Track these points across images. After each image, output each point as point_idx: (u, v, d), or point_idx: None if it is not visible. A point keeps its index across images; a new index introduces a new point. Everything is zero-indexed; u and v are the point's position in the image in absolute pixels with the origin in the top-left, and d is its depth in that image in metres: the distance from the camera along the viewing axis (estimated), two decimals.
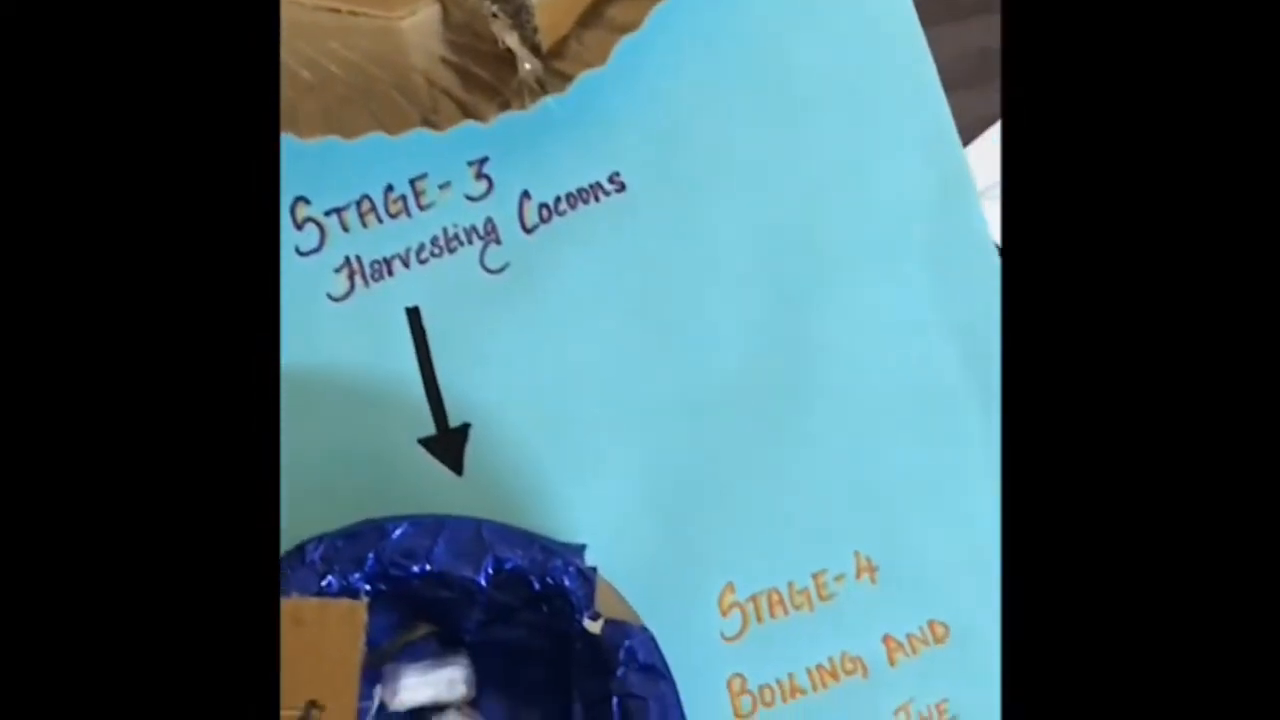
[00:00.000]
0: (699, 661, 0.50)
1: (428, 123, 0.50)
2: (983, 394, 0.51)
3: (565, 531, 0.49)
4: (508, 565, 0.46)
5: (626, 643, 0.46)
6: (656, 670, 0.46)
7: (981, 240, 0.52)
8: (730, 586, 0.51)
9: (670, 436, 0.51)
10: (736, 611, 0.50)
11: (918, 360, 0.51)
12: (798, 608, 0.50)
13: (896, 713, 0.50)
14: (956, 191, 0.52)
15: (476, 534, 0.46)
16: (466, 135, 0.51)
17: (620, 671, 0.46)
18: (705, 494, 0.51)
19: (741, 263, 0.52)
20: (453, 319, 0.52)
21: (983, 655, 0.50)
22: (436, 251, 0.52)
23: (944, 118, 0.53)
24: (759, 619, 0.50)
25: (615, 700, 0.46)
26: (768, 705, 0.50)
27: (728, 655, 0.50)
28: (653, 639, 0.46)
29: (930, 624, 0.50)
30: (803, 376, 0.51)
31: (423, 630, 0.50)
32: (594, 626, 0.46)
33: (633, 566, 0.50)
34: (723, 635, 0.50)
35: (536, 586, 0.46)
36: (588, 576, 0.46)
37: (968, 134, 0.53)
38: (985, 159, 0.53)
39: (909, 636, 0.50)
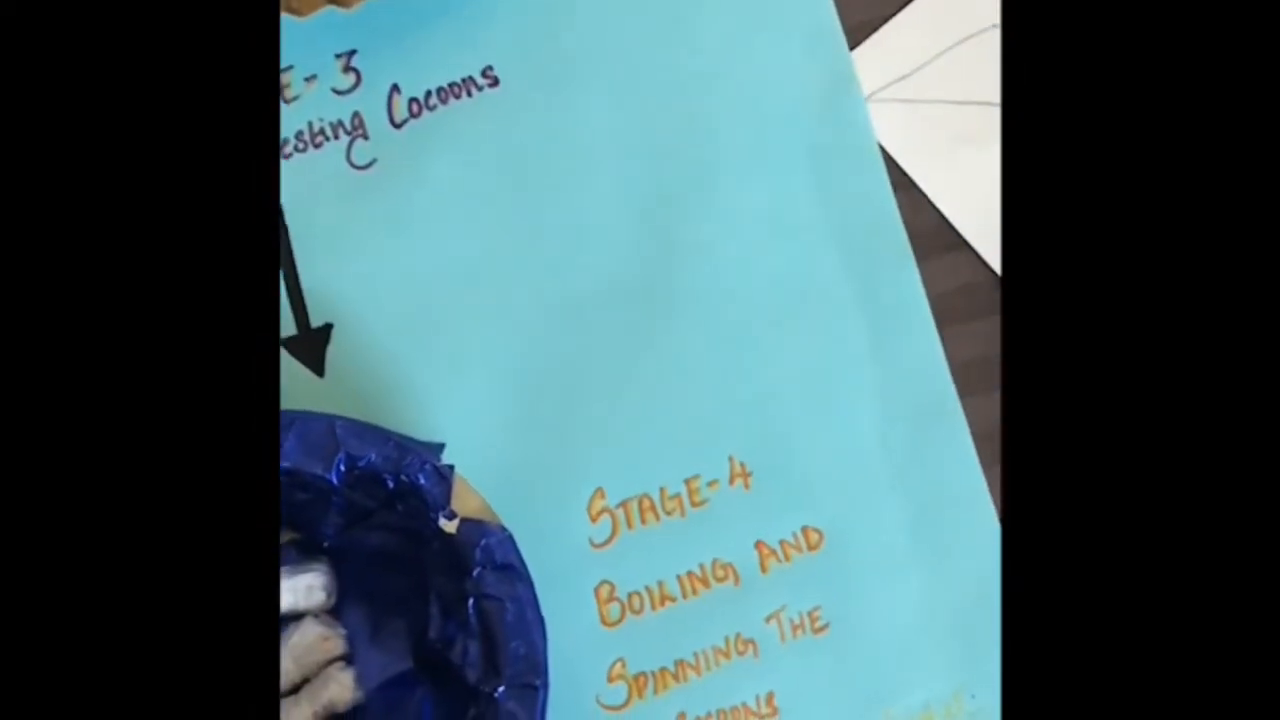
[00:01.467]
0: (567, 568, 0.48)
1: (289, 9, 0.48)
2: (861, 296, 0.50)
3: (429, 434, 0.47)
4: (361, 463, 0.45)
5: (483, 541, 0.44)
6: (514, 570, 0.44)
7: (866, 142, 0.51)
8: (600, 492, 0.49)
9: (539, 339, 0.50)
10: (606, 518, 0.49)
11: (795, 262, 0.50)
12: (669, 514, 0.49)
13: (768, 620, 0.48)
14: (841, 91, 0.51)
15: (329, 430, 0.45)
16: (333, 25, 0.49)
17: (476, 571, 0.44)
18: (575, 398, 0.49)
19: (617, 162, 0.50)
20: (317, 217, 0.50)
21: (856, 562, 0.48)
22: (301, 147, 0.50)
23: (830, 15, 0.51)
24: (629, 525, 0.49)
25: (471, 601, 0.44)
26: (636, 613, 0.48)
27: (596, 562, 0.49)
28: (511, 539, 0.45)
29: (804, 530, 0.49)
30: (677, 279, 0.50)
31: (282, 537, 0.48)
32: (449, 526, 0.44)
33: (499, 471, 0.48)
34: (591, 542, 0.49)
35: (391, 485, 0.45)
36: (444, 474, 0.45)
37: (856, 36, 0.52)
38: (873, 63, 0.51)
39: (782, 543, 0.49)
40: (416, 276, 0.50)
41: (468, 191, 0.50)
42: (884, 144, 0.51)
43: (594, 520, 0.49)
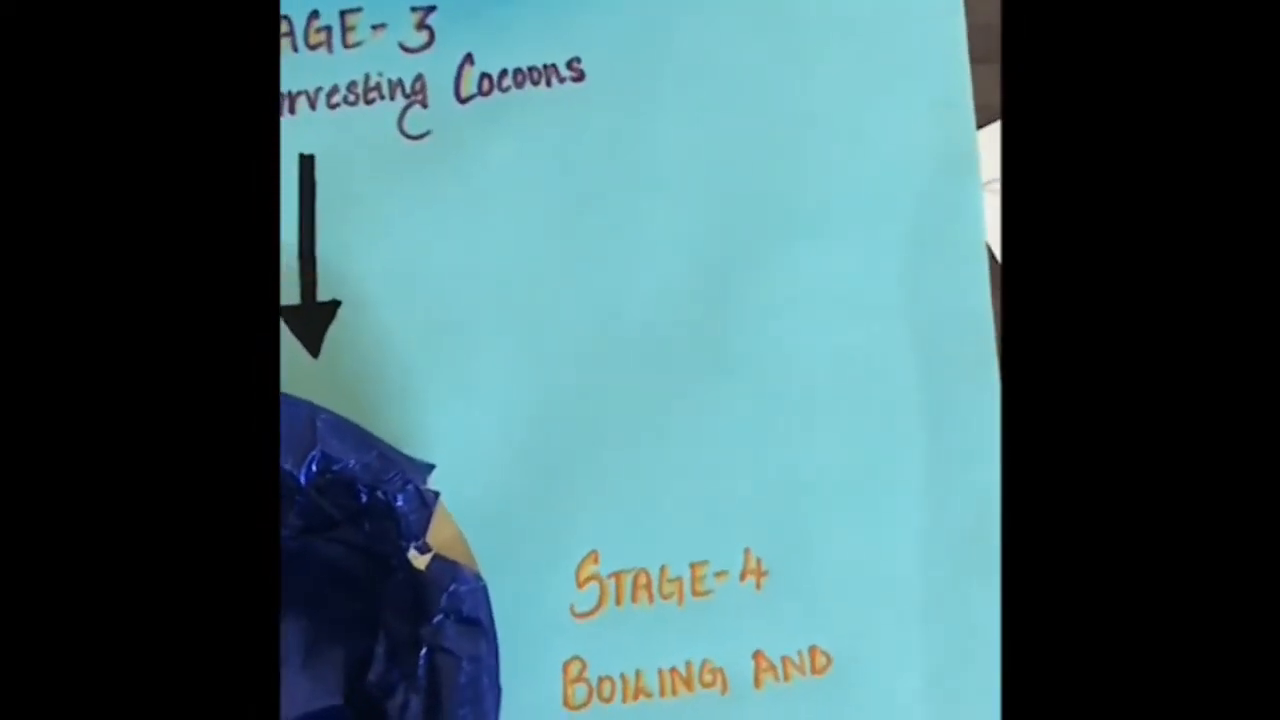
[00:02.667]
0: (538, 633, 0.42)
1: None
2: (930, 404, 0.44)
3: (419, 450, 0.42)
4: (336, 466, 0.39)
5: (452, 587, 0.38)
6: (480, 627, 0.38)
7: (974, 233, 0.45)
8: (594, 556, 0.43)
9: (562, 370, 0.44)
10: (595, 586, 0.43)
11: (865, 348, 0.44)
12: (666, 598, 0.43)
13: None
14: (959, 172, 0.45)
15: (309, 421, 0.39)
16: None
17: (437, 619, 0.38)
18: (588, 444, 0.43)
19: (692, 193, 0.45)
20: (351, 180, 0.44)
21: (862, 698, 0.42)
22: (351, 99, 0.45)
23: (963, 87, 0.46)
24: (619, 601, 0.43)
25: (424, 651, 0.38)
26: (605, 701, 0.42)
27: (573, 634, 0.43)
28: (484, 590, 0.39)
29: (812, 649, 0.43)
30: (728, 336, 0.44)
31: None
32: (420, 560, 0.38)
33: (487, 507, 0.42)
34: (573, 610, 0.43)
35: (364, 498, 0.39)
36: (426, 500, 0.39)
37: (983, 116, 0.46)
38: (994, 148, 0.46)
39: (784, 659, 0.43)
40: (445, 270, 0.44)
41: (522, 190, 0.45)
42: (989, 239, 0.45)
43: (581, 586, 0.43)
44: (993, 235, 0.46)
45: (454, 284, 0.44)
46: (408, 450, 0.40)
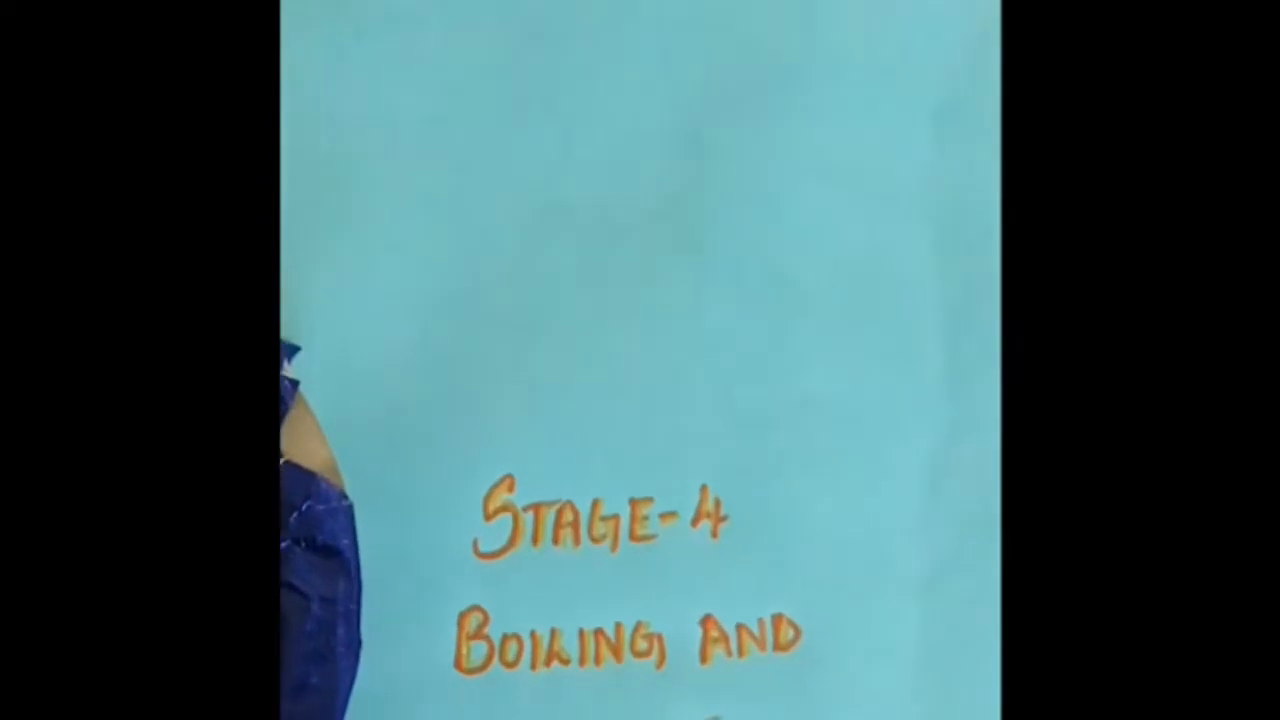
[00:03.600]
0: (428, 572, 0.33)
1: None
2: (944, 318, 0.35)
3: (291, 325, 0.32)
4: None
5: (306, 505, 0.29)
6: (340, 559, 0.30)
7: (991, 119, 0.36)
8: (508, 482, 0.34)
9: (488, 243, 0.35)
10: (507, 518, 0.34)
11: (872, 247, 0.35)
12: (596, 540, 0.34)
13: None
14: (986, 45, 0.36)
15: None
16: None
17: (284, 544, 0.29)
18: (513, 341, 0.34)
19: (674, 30, 0.35)
20: None
21: (835, 683, 0.34)
22: None
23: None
24: (535, 539, 0.34)
25: None
26: (509, 665, 0.34)
27: (474, 576, 0.34)
28: (348, 513, 0.30)
29: (776, 619, 0.34)
30: (704, 219, 0.35)
31: None
32: None
33: (369, 407, 0.33)
34: (476, 547, 0.34)
35: None
36: (281, 389, 0.30)
37: None
38: None
39: (740, 627, 0.34)
40: (350, 111, 0.35)
41: (455, 15, 0.35)
42: None
43: (489, 517, 0.34)
44: None
45: (360, 127, 0.35)
46: (289, 327, 0.32)
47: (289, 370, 0.30)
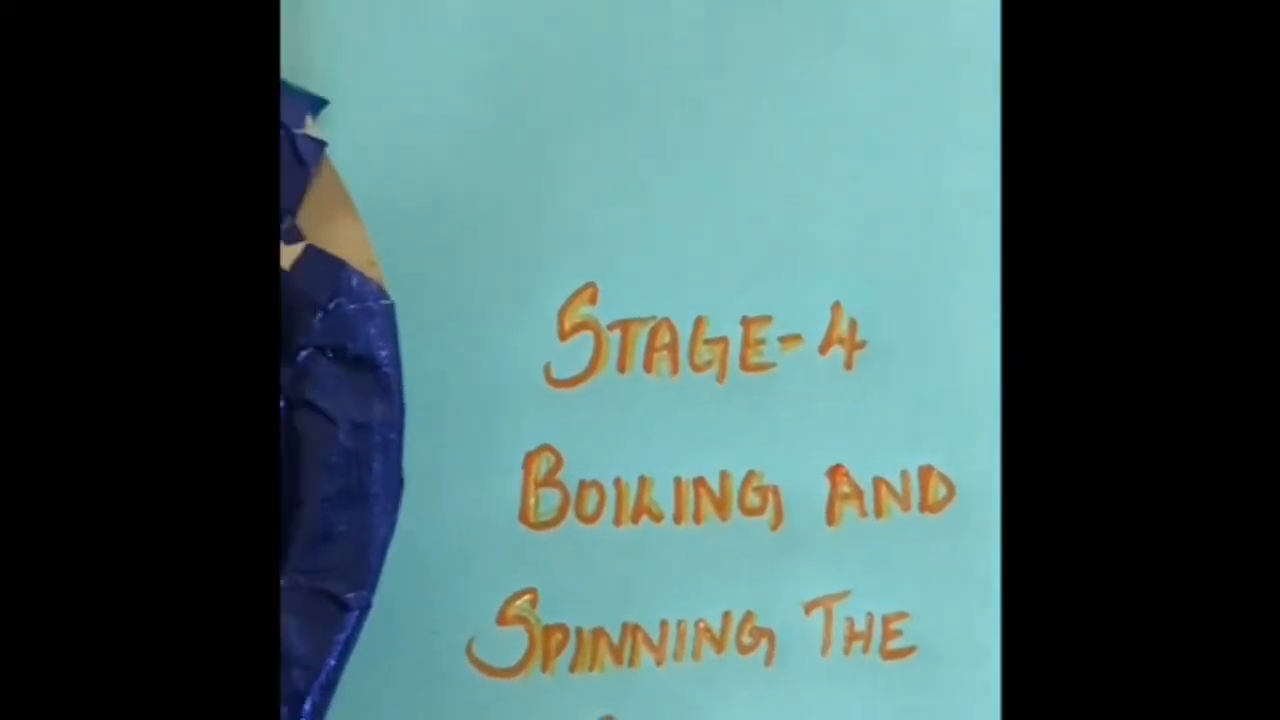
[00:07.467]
0: (486, 399, 0.27)
1: None
2: None
3: (326, 73, 0.25)
4: None
5: (334, 303, 0.23)
6: (378, 375, 0.23)
7: None
8: (591, 291, 0.27)
9: (566, 10, 0.27)
10: (587, 336, 0.28)
11: None
12: (699, 368, 0.28)
13: (809, 608, 0.28)
14: None
15: None
16: None
17: (302, 355, 0.23)
18: (607, 110, 0.28)
19: None
20: None
21: (993, 552, 0.27)
22: None
23: None
24: (621, 366, 0.28)
25: (283, 405, 0.23)
26: (586, 520, 0.27)
27: (545, 404, 0.28)
28: (391, 316, 0.23)
29: (924, 471, 0.28)
30: None
31: None
32: (286, 254, 0.23)
33: (418, 192, 0.27)
34: (549, 373, 0.27)
35: None
36: (302, 152, 0.23)
37: None
38: None
39: (876, 481, 0.28)
40: None
41: None
42: None
43: (564, 336, 0.27)
44: None
45: None
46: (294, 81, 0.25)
47: (313, 127, 0.23)
